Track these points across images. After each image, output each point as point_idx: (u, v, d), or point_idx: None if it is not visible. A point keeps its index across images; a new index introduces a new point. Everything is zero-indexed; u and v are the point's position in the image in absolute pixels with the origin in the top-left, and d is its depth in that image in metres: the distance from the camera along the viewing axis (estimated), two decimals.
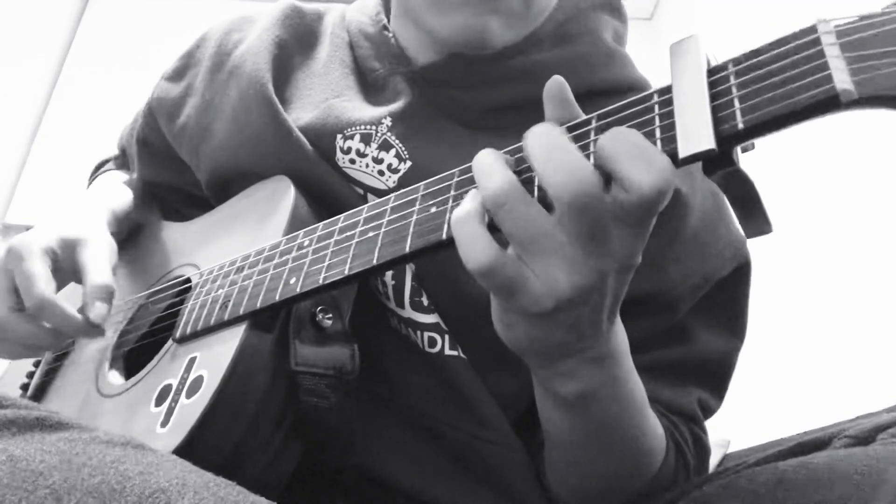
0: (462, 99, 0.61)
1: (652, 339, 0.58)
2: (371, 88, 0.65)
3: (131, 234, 0.77)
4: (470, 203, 0.38)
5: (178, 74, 0.75)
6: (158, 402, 0.50)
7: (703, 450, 0.61)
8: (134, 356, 0.61)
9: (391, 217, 0.45)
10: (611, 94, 0.61)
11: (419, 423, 0.57)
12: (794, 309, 1.52)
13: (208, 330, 0.52)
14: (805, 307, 1.50)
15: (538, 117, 0.40)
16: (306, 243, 0.50)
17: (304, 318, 0.51)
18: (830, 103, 0.30)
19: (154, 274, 0.68)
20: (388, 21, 0.67)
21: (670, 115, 0.35)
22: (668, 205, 0.36)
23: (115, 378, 0.59)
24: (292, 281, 0.48)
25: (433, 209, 0.42)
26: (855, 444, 0.41)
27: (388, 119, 0.61)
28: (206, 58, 0.72)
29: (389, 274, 0.58)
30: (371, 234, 0.45)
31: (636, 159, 0.34)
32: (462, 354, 0.57)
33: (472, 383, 0.57)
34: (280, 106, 0.62)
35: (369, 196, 0.60)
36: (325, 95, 0.64)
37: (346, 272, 0.45)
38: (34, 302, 0.56)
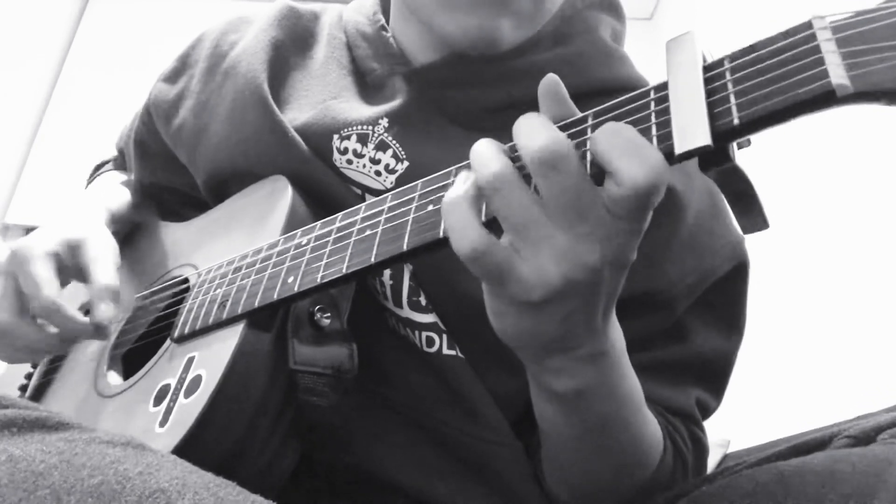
0: (460, 99, 0.61)
1: (649, 338, 0.58)
2: (369, 89, 0.65)
3: (129, 235, 0.77)
4: (461, 186, 0.38)
5: (174, 76, 0.75)
6: (157, 402, 0.50)
7: (701, 449, 0.60)
8: (132, 356, 0.61)
9: (389, 215, 0.45)
10: (609, 94, 0.60)
11: (417, 423, 0.57)
12: (794, 308, 1.52)
13: (206, 329, 0.52)
14: (804, 306, 1.50)
15: None
16: (304, 242, 0.50)
17: (303, 317, 0.51)
18: (826, 98, 0.30)
19: (152, 274, 0.68)
20: (386, 21, 0.67)
21: (666, 111, 0.35)
22: (664, 203, 0.36)
23: (113, 378, 0.59)
24: (290, 280, 0.48)
25: (430, 207, 0.42)
26: (855, 444, 0.41)
27: (385, 119, 0.61)
28: (202, 59, 0.72)
29: (387, 274, 0.58)
30: (369, 232, 0.45)
31: (629, 154, 0.34)
32: (460, 354, 0.57)
33: (471, 383, 0.56)
34: (275, 106, 0.62)
35: (367, 196, 0.60)
36: (323, 96, 0.64)
37: (344, 270, 0.45)
38: (41, 306, 0.55)
